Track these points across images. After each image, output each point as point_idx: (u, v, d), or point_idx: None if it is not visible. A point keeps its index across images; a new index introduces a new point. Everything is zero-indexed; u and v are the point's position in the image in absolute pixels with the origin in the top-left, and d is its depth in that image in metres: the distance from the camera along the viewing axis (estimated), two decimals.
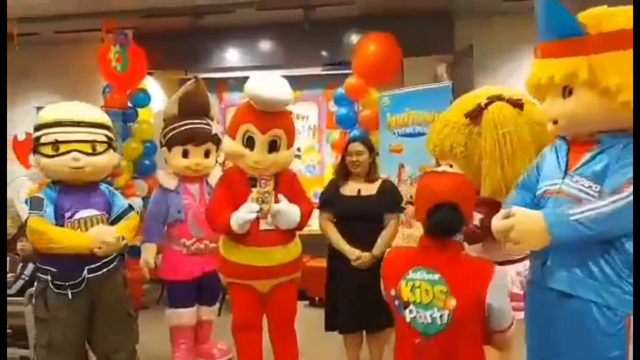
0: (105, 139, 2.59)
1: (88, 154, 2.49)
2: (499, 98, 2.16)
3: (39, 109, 2.74)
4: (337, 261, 2.89)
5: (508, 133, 2.09)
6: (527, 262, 1.98)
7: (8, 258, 3.32)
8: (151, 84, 5.70)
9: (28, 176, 4.44)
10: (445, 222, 1.70)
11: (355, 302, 2.83)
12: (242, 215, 2.56)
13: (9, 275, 3.16)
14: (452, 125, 2.23)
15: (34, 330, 2.62)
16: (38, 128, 2.51)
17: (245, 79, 2.64)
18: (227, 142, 2.72)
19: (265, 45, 5.55)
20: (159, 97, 5.78)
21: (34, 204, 2.44)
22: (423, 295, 1.68)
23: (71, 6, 4.64)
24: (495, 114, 2.11)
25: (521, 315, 2.12)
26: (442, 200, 1.69)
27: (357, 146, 2.94)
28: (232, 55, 5.54)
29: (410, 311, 1.69)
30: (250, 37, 5.48)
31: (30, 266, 3.02)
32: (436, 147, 2.28)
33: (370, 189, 2.90)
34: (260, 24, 5.27)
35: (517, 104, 2.13)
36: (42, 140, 2.47)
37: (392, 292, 1.72)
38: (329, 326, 2.99)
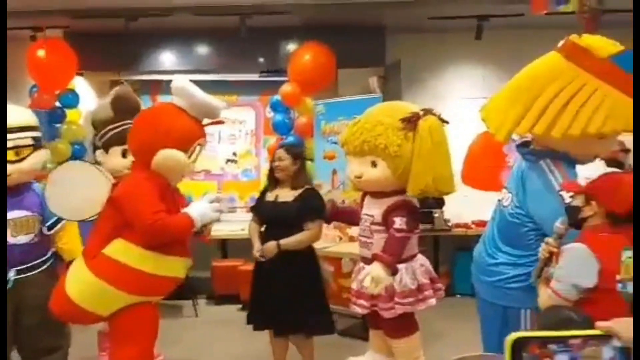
0: (30, 141, 2.54)
1: (12, 162, 2.46)
2: (431, 112, 2.43)
3: None
4: (265, 263, 2.98)
5: (441, 143, 2.39)
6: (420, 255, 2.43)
7: None
8: (81, 85, 5.54)
9: None
10: None
11: (284, 305, 2.93)
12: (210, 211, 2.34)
13: None
14: (386, 126, 2.39)
15: None
16: None
17: None
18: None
19: (202, 49, 5.55)
20: (89, 98, 5.62)
21: None
22: (631, 270, 1.82)
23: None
24: (431, 124, 2.38)
25: (430, 302, 2.46)
26: None
27: (279, 152, 3.08)
28: (168, 59, 5.50)
29: (625, 286, 1.81)
30: (186, 41, 5.46)
31: None
32: (366, 143, 2.40)
33: (289, 195, 3.01)
34: (196, 28, 5.27)
35: (444, 121, 2.45)
36: None
37: (618, 277, 1.80)
38: (257, 326, 3.08)
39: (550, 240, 1.85)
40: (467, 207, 4.90)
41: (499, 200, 2.22)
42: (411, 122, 2.37)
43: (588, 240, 1.77)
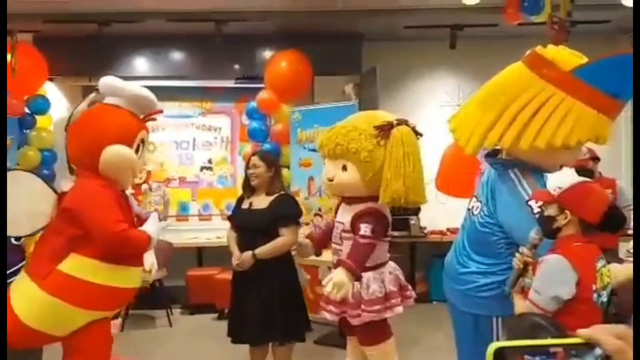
0: None
1: None
2: (406, 123, 2.44)
3: None
4: (242, 272, 2.95)
5: (412, 154, 2.38)
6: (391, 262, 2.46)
7: None
8: (52, 91, 5.43)
9: None
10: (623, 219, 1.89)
11: (262, 313, 2.89)
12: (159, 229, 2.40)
13: None
14: (360, 131, 2.41)
15: None
16: None
17: (155, 88, 2.56)
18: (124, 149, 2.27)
19: (176, 55, 5.50)
20: (61, 104, 5.51)
21: None
22: (605, 279, 1.85)
23: None
24: (404, 134, 2.39)
25: (398, 310, 2.44)
26: (612, 203, 1.85)
27: (254, 160, 3.06)
28: (141, 64, 5.43)
29: (600, 295, 1.83)
30: (160, 47, 5.40)
31: None
32: (339, 147, 2.42)
33: (263, 202, 2.99)
34: (171, 34, 5.21)
35: (418, 133, 2.47)
36: None
37: (594, 286, 1.81)
38: (235, 339, 3.03)
39: (524, 250, 1.85)
40: (442, 214, 4.94)
41: (468, 209, 2.24)
42: (384, 130, 2.38)
43: (563, 250, 1.79)
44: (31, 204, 2.33)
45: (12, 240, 2.48)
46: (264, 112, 5.03)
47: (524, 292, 1.85)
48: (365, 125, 2.43)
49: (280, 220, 2.92)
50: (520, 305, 1.83)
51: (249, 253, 2.88)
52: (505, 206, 2.02)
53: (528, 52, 2.06)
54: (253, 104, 5.04)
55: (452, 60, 5.51)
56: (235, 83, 5.69)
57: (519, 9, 3.76)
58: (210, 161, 6.03)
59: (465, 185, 3.13)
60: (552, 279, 1.76)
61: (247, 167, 3.08)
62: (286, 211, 2.96)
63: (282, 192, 3.04)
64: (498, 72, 2.17)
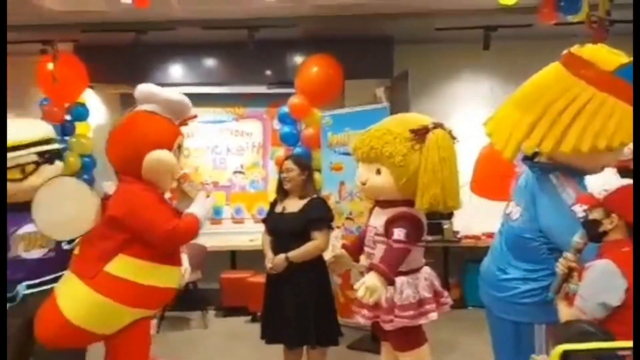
0: (33, 158, 2.45)
1: (16, 180, 2.40)
2: (442, 126, 2.43)
3: None
4: (276, 275, 2.97)
5: (448, 158, 2.35)
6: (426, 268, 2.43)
7: None
8: (92, 98, 5.61)
9: None
10: None
11: (297, 315, 2.91)
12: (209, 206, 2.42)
13: None
14: (395, 135, 2.39)
15: None
16: None
17: (189, 95, 2.57)
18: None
19: (210, 62, 5.60)
20: (100, 111, 5.68)
21: None
22: None
23: (11, 17, 4.50)
24: (440, 138, 2.36)
25: (432, 317, 2.41)
26: None
27: (287, 163, 3.10)
28: (176, 72, 5.55)
29: None
30: (194, 54, 5.51)
31: None
32: (373, 150, 2.41)
33: (296, 206, 3.02)
34: (205, 41, 5.32)
35: (454, 137, 2.44)
36: None
37: None
38: (270, 339, 3.05)
39: (569, 255, 1.81)
40: (476, 218, 4.86)
41: (506, 214, 2.19)
42: (420, 134, 2.36)
43: (611, 255, 1.74)
44: (76, 209, 2.39)
45: (64, 245, 2.53)
46: (295, 116, 5.07)
47: (568, 298, 1.79)
48: (399, 129, 2.41)
49: (313, 224, 2.94)
50: (565, 311, 1.79)
51: (282, 256, 2.91)
52: (547, 211, 1.97)
53: (564, 52, 2.02)
54: (284, 108, 5.08)
55: (485, 62, 5.42)
56: (267, 88, 5.76)
57: (554, 9, 3.67)
58: (242, 166, 6.12)
59: (502, 187, 3.08)
60: (599, 285, 1.71)
61: (280, 171, 3.11)
62: (318, 214, 2.99)
63: (314, 196, 3.06)
64: (533, 73, 2.12)
